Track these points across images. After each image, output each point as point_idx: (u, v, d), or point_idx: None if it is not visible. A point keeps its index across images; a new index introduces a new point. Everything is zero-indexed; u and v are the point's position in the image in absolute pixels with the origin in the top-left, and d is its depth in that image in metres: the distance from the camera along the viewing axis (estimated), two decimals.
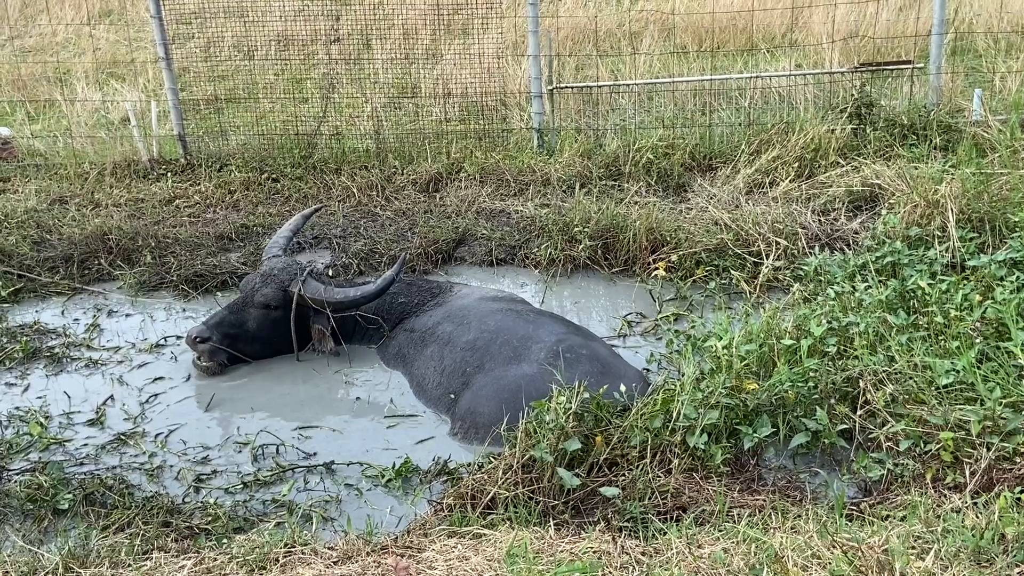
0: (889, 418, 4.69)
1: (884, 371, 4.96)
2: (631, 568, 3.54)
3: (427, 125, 10.78)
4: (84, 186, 9.70)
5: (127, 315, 7.33)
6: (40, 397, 6.10)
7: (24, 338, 6.76)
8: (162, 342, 6.85)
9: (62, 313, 7.37)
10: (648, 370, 6.12)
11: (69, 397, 6.09)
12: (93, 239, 8.12)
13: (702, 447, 4.64)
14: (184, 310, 7.39)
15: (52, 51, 14.28)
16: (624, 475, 4.58)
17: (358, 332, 6.67)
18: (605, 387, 4.97)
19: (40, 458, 5.32)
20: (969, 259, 6.35)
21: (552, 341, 5.73)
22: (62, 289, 7.69)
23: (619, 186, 8.92)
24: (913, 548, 3.54)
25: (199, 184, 9.70)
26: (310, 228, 8.53)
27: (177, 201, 9.36)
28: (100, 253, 8.03)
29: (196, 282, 7.69)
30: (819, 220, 7.83)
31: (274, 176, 9.80)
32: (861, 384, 4.92)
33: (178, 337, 6.87)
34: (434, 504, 4.70)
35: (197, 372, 6.39)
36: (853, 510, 4.26)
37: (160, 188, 9.63)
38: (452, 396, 5.74)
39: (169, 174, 9.96)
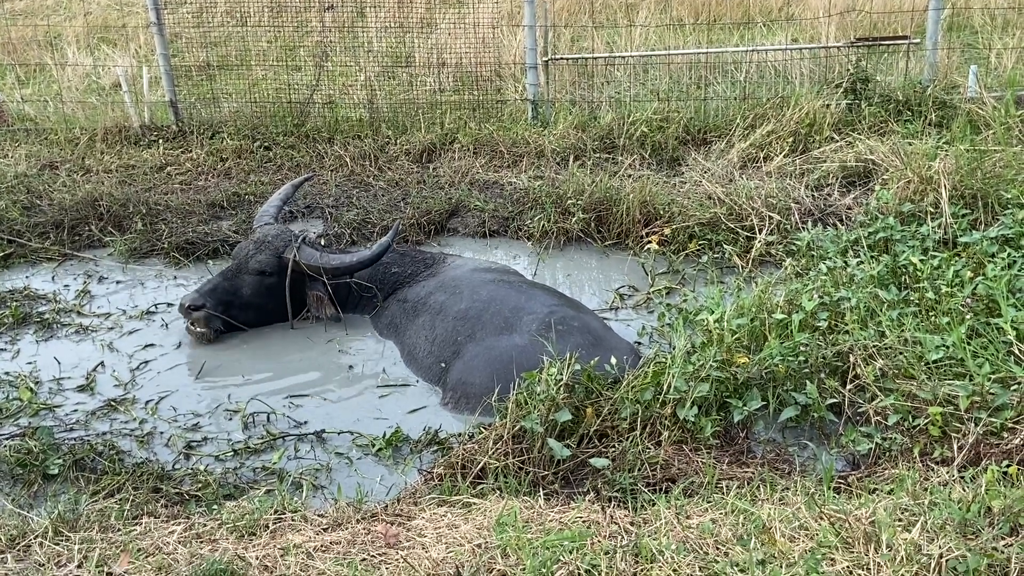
0: (878, 392, 4.70)
1: (874, 346, 4.97)
2: (620, 537, 3.56)
3: (421, 95, 10.72)
4: (75, 151, 9.65)
5: (118, 282, 7.31)
6: (30, 362, 6.09)
7: (14, 303, 6.75)
8: (153, 309, 6.84)
9: (52, 279, 7.34)
10: (639, 343, 6.13)
11: (59, 363, 6.08)
12: (84, 205, 8.08)
13: (692, 420, 4.65)
14: (175, 277, 7.38)
15: (43, 14, 14.15)
16: (614, 447, 4.60)
17: (351, 301, 6.66)
18: (596, 359, 4.98)
19: (30, 423, 5.31)
20: (961, 235, 6.35)
21: (544, 312, 5.73)
22: (52, 255, 7.67)
23: (613, 159, 8.90)
24: (900, 520, 3.56)
25: (191, 151, 9.66)
26: (302, 197, 8.51)
27: (168, 168, 9.32)
28: (91, 219, 8.01)
29: (187, 249, 7.68)
30: (812, 195, 7.83)
31: (266, 144, 9.76)
32: (851, 359, 4.93)
33: (169, 304, 6.86)
34: (424, 473, 4.71)
35: (192, 339, 6.37)
36: (841, 483, 4.28)
37: (151, 155, 9.58)
38: (443, 365, 5.74)
39: (160, 141, 9.91)
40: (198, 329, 6.32)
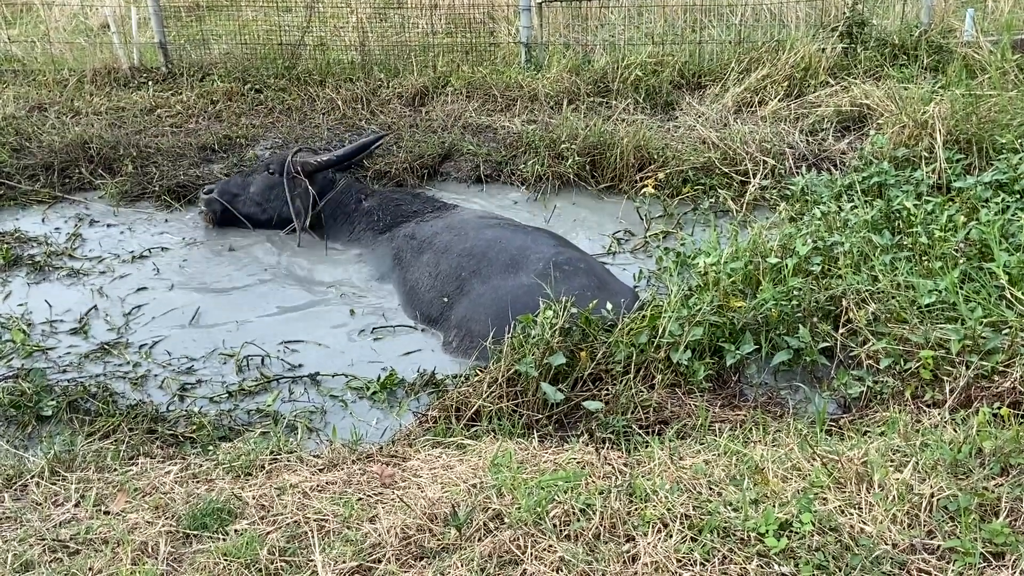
0: (870, 336, 4.72)
1: (867, 290, 4.98)
2: (614, 477, 3.58)
3: (413, 38, 10.60)
4: (63, 93, 9.53)
5: (109, 225, 7.27)
6: (21, 304, 6.07)
7: (5, 246, 6.71)
8: (145, 253, 6.81)
9: (43, 221, 7.30)
10: (637, 287, 6.13)
11: (51, 306, 6.06)
12: (73, 147, 8.01)
13: (685, 363, 4.67)
14: (167, 221, 7.34)
15: None
16: (608, 390, 4.62)
17: (345, 225, 6.99)
18: (595, 301, 4.99)
19: (23, 365, 5.31)
20: (955, 180, 6.35)
21: (550, 253, 5.74)
22: (43, 197, 7.60)
23: (607, 103, 8.83)
24: (892, 460, 3.59)
25: (181, 94, 9.55)
26: (294, 141, 8.45)
27: (159, 110, 9.21)
28: (81, 162, 7.93)
29: (179, 193, 7.64)
30: (807, 140, 7.80)
31: (257, 87, 9.66)
32: (844, 303, 4.94)
33: (163, 248, 6.84)
34: (419, 416, 4.74)
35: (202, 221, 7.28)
36: (833, 426, 4.31)
37: (141, 97, 9.47)
38: (445, 300, 5.75)
39: (150, 83, 9.79)
40: (200, 209, 7.27)
